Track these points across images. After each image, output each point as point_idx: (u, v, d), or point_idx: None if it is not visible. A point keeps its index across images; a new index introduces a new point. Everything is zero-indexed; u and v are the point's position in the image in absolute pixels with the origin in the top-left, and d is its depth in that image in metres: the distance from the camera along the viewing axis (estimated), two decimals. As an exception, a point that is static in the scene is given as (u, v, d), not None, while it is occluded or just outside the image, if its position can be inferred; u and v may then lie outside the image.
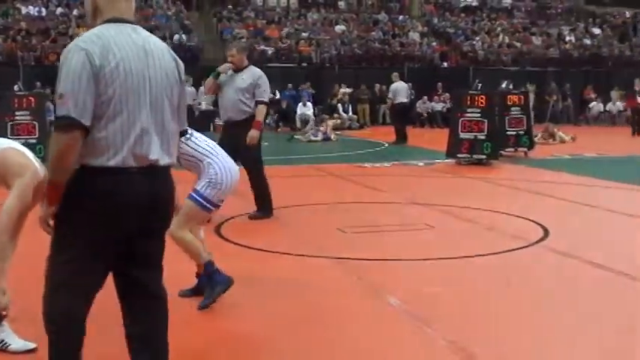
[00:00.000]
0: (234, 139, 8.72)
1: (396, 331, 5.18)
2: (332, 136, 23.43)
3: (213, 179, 5.60)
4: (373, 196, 10.35)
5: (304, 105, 28.56)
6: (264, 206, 9.37)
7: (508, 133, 17.32)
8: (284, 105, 29.24)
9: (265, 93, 9.23)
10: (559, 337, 5.07)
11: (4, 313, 4.63)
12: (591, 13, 41.73)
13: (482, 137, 15.42)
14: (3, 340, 4.62)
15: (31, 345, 4.57)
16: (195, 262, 5.75)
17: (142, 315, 3.65)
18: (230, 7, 35.41)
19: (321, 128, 24.00)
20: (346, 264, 7.05)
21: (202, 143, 5.74)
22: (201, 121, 25.53)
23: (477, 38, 35.71)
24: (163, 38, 30.25)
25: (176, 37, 30.83)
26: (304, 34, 33.42)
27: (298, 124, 28.47)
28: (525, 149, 17.77)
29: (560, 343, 4.97)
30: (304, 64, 31.46)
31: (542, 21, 39.87)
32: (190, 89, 23.88)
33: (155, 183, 3.52)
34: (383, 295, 6.01)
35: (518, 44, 35.87)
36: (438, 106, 30.10)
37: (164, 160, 3.55)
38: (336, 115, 28.29)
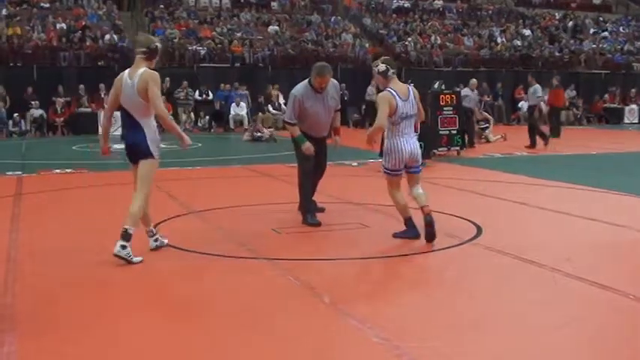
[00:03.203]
0: (323, 148, 9.55)
1: (331, 329, 5.17)
2: (269, 135, 23.25)
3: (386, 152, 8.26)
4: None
5: (237, 105, 28.45)
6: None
7: (441, 132, 17.50)
8: (217, 105, 29.08)
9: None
10: (493, 333, 5.12)
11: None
12: (521, 15, 42.43)
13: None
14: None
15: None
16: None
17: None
18: (162, 6, 35.02)
19: (265, 130, 23.98)
20: (281, 264, 7.02)
21: None
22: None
23: (410, 39, 35.99)
24: (94, 38, 29.87)
25: (107, 37, 30.34)
26: (237, 34, 33.26)
27: (232, 124, 28.36)
28: (458, 148, 17.98)
29: (493, 339, 5.02)
30: (237, 65, 31.29)
31: (474, 22, 40.39)
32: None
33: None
34: (318, 294, 5.99)
35: (450, 45, 36.28)
36: (373, 107, 30.30)
37: None
38: (273, 112, 28.20)
